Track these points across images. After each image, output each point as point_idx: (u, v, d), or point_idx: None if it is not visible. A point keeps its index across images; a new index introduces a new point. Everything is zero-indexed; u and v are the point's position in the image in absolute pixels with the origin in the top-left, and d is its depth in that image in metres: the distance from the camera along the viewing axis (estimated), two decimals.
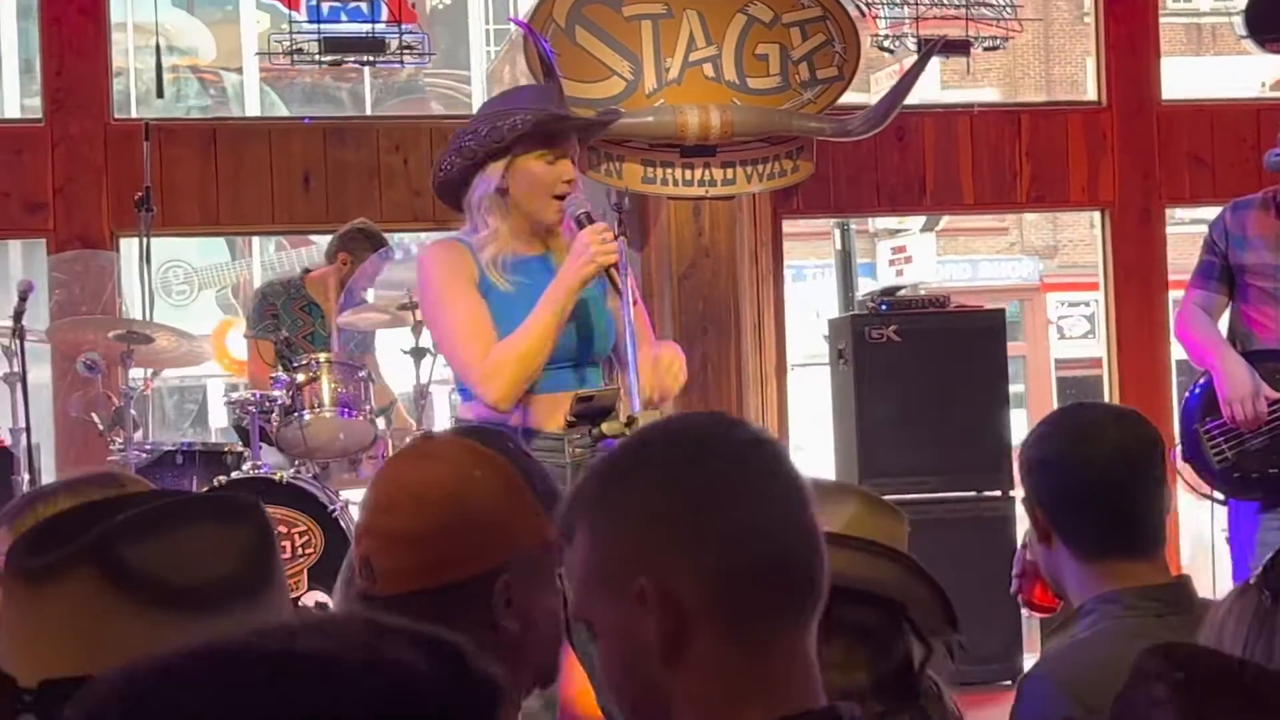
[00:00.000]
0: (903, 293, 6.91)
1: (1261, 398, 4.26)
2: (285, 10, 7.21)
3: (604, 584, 1.45)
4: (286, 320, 6.51)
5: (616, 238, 3.63)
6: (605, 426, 3.30)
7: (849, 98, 6.85)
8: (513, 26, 25.00)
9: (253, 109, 24.24)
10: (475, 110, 6.94)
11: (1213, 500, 4.51)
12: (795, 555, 1.45)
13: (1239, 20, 7.28)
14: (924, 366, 6.50)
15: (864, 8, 7.08)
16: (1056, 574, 2.36)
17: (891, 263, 22.67)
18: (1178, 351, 7.87)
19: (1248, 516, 4.33)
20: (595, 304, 3.74)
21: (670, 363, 3.65)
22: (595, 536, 1.47)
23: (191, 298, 23.65)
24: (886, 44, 7.21)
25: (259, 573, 1.52)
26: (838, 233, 13.02)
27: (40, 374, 6.46)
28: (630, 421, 3.30)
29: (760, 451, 1.48)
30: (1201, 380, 4.49)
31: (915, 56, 7.03)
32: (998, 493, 6.54)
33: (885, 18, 7.21)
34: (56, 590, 1.42)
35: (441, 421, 7.20)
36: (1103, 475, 2.28)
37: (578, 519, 1.49)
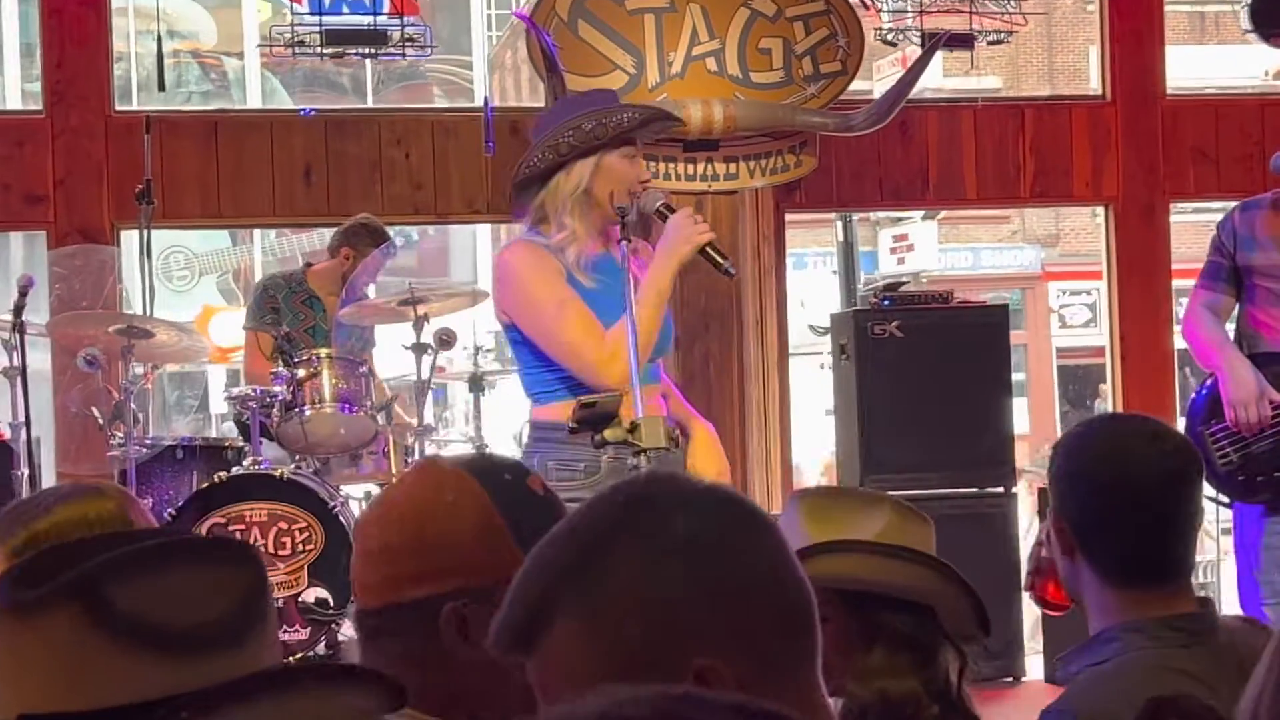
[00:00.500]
0: (905, 288, 6.89)
1: (1265, 401, 4.23)
2: (287, 0, 7.18)
3: (637, 672, 1.32)
4: (288, 314, 6.50)
5: (619, 241, 3.63)
6: (608, 433, 3.28)
7: (851, 84, 6.83)
8: (513, 14, 25.00)
9: (254, 95, 24.20)
10: (485, 96, 6.97)
11: (1218, 504, 4.49)
12: (804, 596, 1.42)
13: (1244, 14, 7.25)
14: (926, 362, 6.48)
15: (867, 1, 7.05)
16: (1075, 587, 2.29)
17: (893, 251, 22.65)
18: (1180, 344, 7.87)
19: (1252, 520, 4.32)
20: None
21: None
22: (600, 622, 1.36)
23: (192, 283, 23.64)
24: (890, 37, 7.18)
25: (249, 618, 1.50)
26: (840, 224, 12.99)
27: (40, 368, 6.45)
28: (633, 428, 3.29)
29: (743, 506, 1.44)
30: (1208, 382, 4.47)
31: (918, 49, 7.01)
32: (1000, 489, 6.53)
33: (888, 10, 7.18)
34: (40, 626, 1.42)
35: (462, 420, 7.18)
36: (1142, 502, 2.20)
37: (560, 610, 1.36)
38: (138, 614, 1.43)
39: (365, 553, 1.86)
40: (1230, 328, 4.56)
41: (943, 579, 2.10)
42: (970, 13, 7.06)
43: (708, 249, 3.67)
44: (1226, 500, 4.44)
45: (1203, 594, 2.32)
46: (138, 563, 1.46)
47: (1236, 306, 4.51)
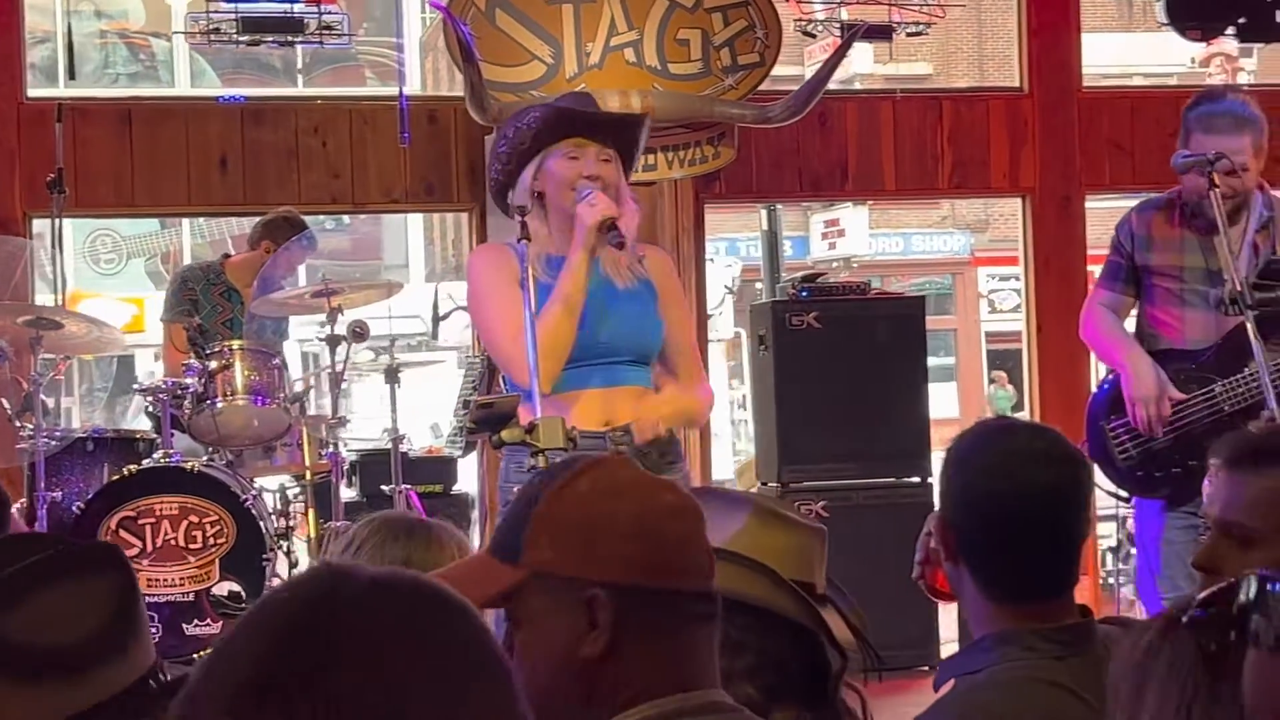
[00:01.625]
0: (825, 278, 6.91)
1: (1166, 400, 4.26)
2: None
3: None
4: (205, 306, 6.46)
5: (520, 241, 3.61)
6: (505, 434, 3.27)
7: (779, 70, 6.83)
8: (429, 3, 24.81)
9: (182, 76, 23.99)
10: (399, 85, 6.93)
11: (1118, 498, 4.53)
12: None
13: (1160, 7, 7.31)
14: (844, 353, 6.51)
15: None
16: (957, 590, 2.28)
17: (824, 236, 22.73)
18: None
19: (1152, 515, 4.35)
20: (623, 303, 3.75)
21: (661, 403, 3.76)
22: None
23: (120, 266, 23.44)
24: (810, 28, 7.19)
25: (123, 626, 1.50)
26: (764, 213, 13.00)
27: None
28: (531, 428, 3.28)
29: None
30: (1110, 377, 4.50)
31: (840, 39, 7.03)
32: (916, 479, 6.57)
33: (810, 2, 7.19)
34: None
35: (369, 408, 7.14)
36: (1028, 522, 2.18)
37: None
38: (26, 645, 1.41)
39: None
40: (1130, 328, 4.59)
41: (771, 585, 2.08)
42: (890, 4, 7.08)
43: (608, 224, 3.64)
44: (1126, 495, 4.47)
45: (1082, 604, 2.29)
46: (9, 592, 1.45)
47: (1135, 306, 4.54)
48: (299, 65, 23.56)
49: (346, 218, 24.73)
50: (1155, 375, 4.28)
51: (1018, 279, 24.49)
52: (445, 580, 1.65)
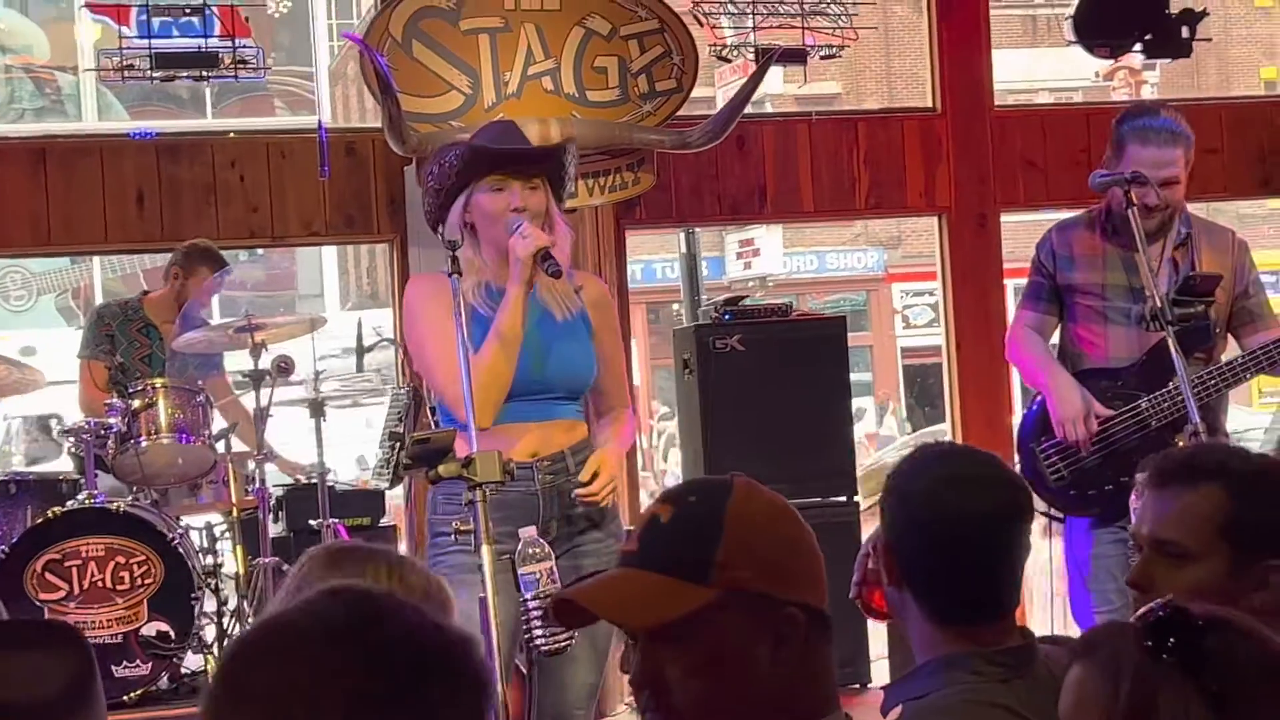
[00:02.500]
0: (747, 300, 6.95)
1: (1092, 418, 4.30)
2: (115, 25, 7.05)
3: None
4: (123, 342, 6.40)
5: (450, 275, 3.62)
6: (442, 468, 3.27)
7: (689, 97, 6.87)
8: (342, 35, 24.76)
9: (89, 110, 23.76)
10: (318, 117, 6.91)
11: (1050, 518, 4.55)
12: None
13: (1068, 25, 7.42)
14: (768, 375, 6.55)
15: (702, 17, 7.11)
16: (900, 614, 2.30)
17: (740, 255, 22.85)
18: None
19: (1081, 533, 4.39)
20: (562, 340, 3.77)
21: (613, 462, 3.82)
22: None
23: (30, 303, 23.16)
24: (725, 54, 7.24)
25: (80, 698, 1.51)
26: (682, 236, 13.05)
27: None
28: (468, 463, 3.28)
29: None
30: (1038, 399, 4.53)
31: (754, 63, 7.08)
32: (842, 498, 6.61)
33: (723, 27, 7.24)
34: None
35: (294, 442, 7.10)
36: (971, 548, 2.21)
37: None
38: None
39: None
40: (1055, 348, 4.64)
41: None
42: (804, 28, 7.15)
43: (544, 255, 3.66)
44: (1060, 515, 4.48)
45: (1024, 625, 2.31)
46: None
47: (1058, 325, 4.59)
48: (208, 97, 23.42)
49: (261, 250, 24.58)
50: (1079, 394, 4.32)
51: (931, 294, 24.73)
52: (597, 603, 1.71)
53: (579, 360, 3.82)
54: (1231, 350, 4.51)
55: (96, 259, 20.95)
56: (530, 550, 3.28)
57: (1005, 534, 2.24)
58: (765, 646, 1.79)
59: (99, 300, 19.33)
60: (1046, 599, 5.57)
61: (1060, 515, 4.45)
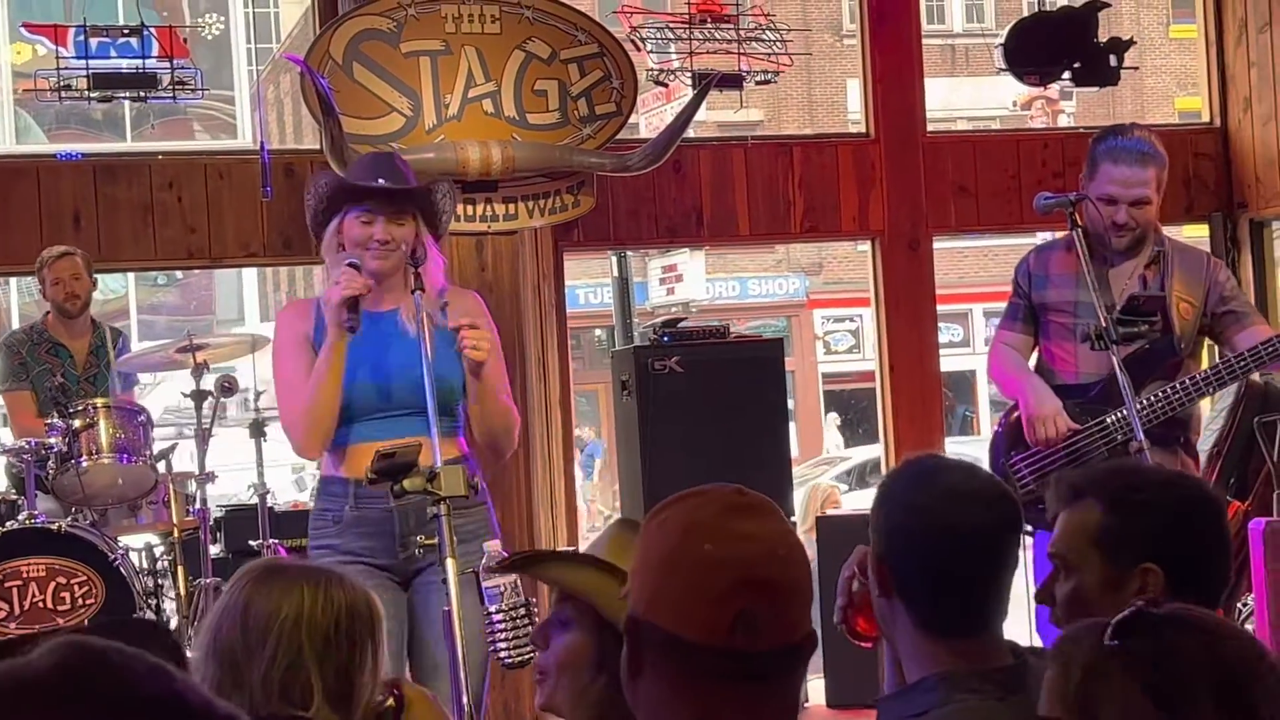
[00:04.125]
0: (684, 323, 7.01)
1: (1062, 417, 4.39)
2: (52, 45, 7.02)
3: None
4: (35, 367, 6.34)
5: (413, 291, 3.67)
6: (407, 482, 3.30)
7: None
8: (283, 56, 24.67)
9: (7, 132, 23.50)
10: (260, 139, 6.92)
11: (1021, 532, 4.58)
12: None
13: (998, 53, 7.54)
14: (706, 396, 6.62)
15: (639, 42, 7.17)
16: (889, 628, 2.31)
17: (663, 281, 22.93)
18: (945, 366, 8.12)
19: (1045, 547, 4.41)
20: (415, 356, 3.79)
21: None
22: None
23: None
24: (661, 78, 7.31)
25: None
26: (614, 259, 13.10)
27: None
28: (433, 477, 3.31)
29: None
30: (1007, 415, 4.60)
31: (689, 88, 7.16)
32: None
33: (660, 52, 7.31)
34: None
35: (234, 464, 7.07)
36: (965, 559, 2.23)
37: None
38: None
39: (791, 591, 1.87)
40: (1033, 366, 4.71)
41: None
42: (739, 54, 7.23)
43: (342, 315, 3.76)
44: (1030, 529, 4.50)
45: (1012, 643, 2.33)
46: None
47: (1035, 345, 4.68)
48: (128, 120, 23.24)
49: (180, 273, 24.38)
50: (1052, 397, 4.41)
51: (852, 320, 24.87)
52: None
53: (440, 375, 3.81)
54: (1218, 357, 4.62)
55: (13, 282, 20.71)
56: (496, 564, 3.31)
57: (1000, 548, 2.27)
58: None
59: (14, 324, 19.13)
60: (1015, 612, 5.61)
61: (1030, 530, 4.46)
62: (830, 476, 16.34)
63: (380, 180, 3.88)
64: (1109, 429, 4.37)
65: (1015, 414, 4.55)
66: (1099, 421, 4.39)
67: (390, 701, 2.33)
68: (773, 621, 1.80)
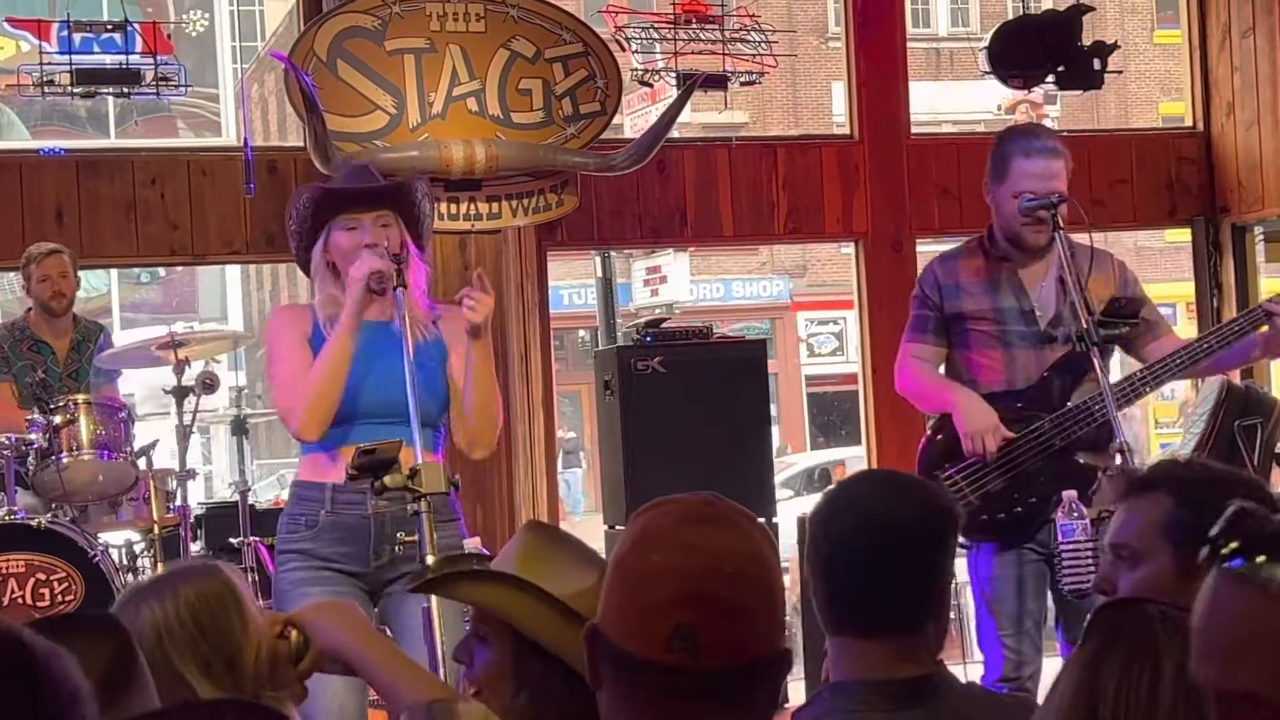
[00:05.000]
0: (667, 323, 7.01)
1: (1000, 429, 4.30)
2: (36, 40, 7.00)
3: None
4: (16, 363, 6.32)
5: (395, 289, 3.66)
6: (387, 479, 3.29)
7: None
8: (268, 53, 24.66)
9: None
10: (245, 136, 6.90)
11: (961, 546, 4.52)
12: None
13: (983, 56, 7.55)
14: (689, 396, 6.61)
15: (623, 42, 7.17)
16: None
17: (646, 283, 22.93)
18: None
19: (984, 556, 4.37)
20: (398, 365, 3.78)
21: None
22: None
23: None
24: (646, 78, 7.31)
25: (118, 686, 1.59)
26: (598, 260, 13.10)
27: None
28: (413, 474, 3.30)
29: None
30: (936, 429, 4.46)
31: (673, 88, 7.16)
32: (762, 519, 6.65)
33: (644, 53, 7.31)
34: None
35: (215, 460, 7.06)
36: (859, 556, 2.24)
37: None
38: None
39: (728, 610, 1.78)
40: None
41: (565, 620, 2.08)
42: (723, 54, 7.24)
43: (371, 280, 3.73)
44: (966, 543, 4.41)
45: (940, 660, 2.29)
46: None
47: (945, 356, 4.50)
48: (111, 117, 23.19)
49: (163, 270, 24.33)
50: (987, 408, 4.32)
51: (836, 323, 24.89)
52: None
53: (421, 386, 3.76)
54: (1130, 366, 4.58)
55: None
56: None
57: (909, 546, 2.26)
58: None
59: None
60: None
61: (966, 543, 4.38)
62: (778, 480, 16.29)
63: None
64: (1045, 434, 4.28)
65: (939, 427, 4.40)
66: (1035, 428, 4.29)
67: (294, 635, 2.32)
68: (715, 639, 1.70)
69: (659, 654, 1.70)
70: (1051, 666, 4.31)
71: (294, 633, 2.32)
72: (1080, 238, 4.43)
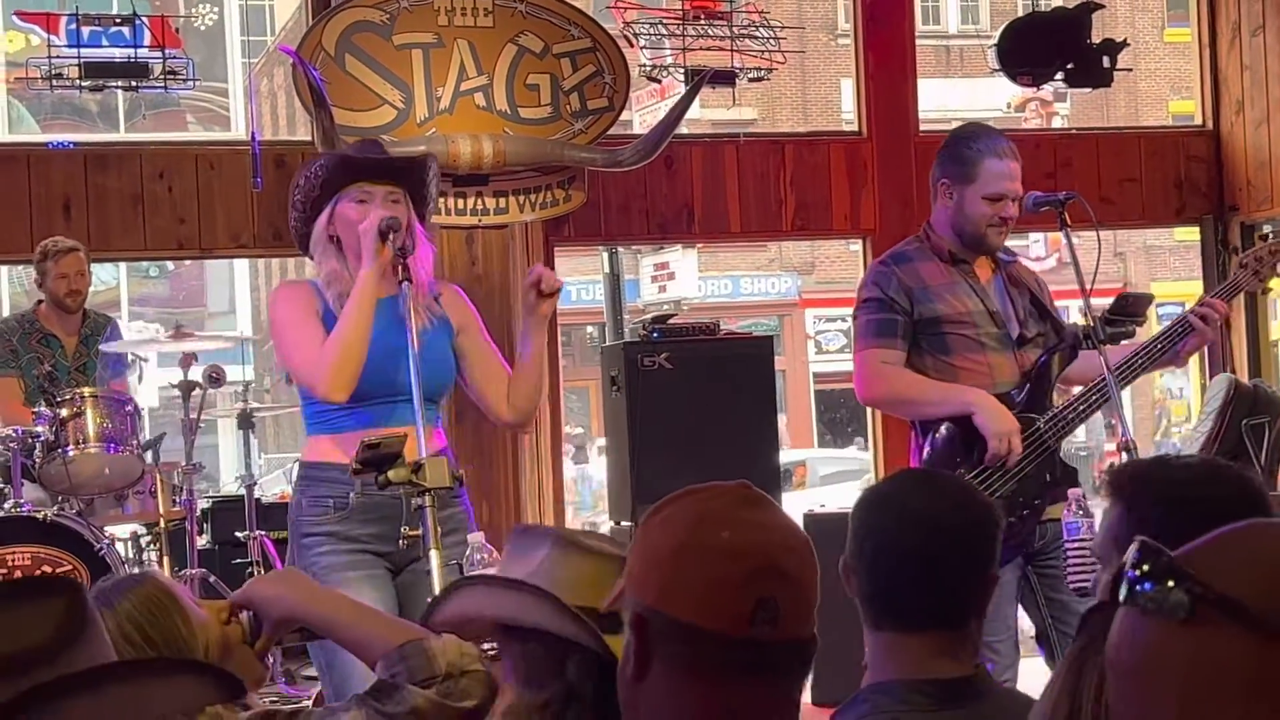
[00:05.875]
0: (674, 319, 7.00)
1: (1019, 430, 4.24)
2: (44, 33, 7.01)
3: None
4: (25, 355, 6.32)
5: (401, 283, 3.65)
6: (392, 473, 3.28)
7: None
8: (276, 48, 24.67)
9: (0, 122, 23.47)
10: (251, 130, 6.92)
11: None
12: None
13: (992, 54, 7.55)
14: (696, 392, 6.60)
15: (632, 38, 7.17)
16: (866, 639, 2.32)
17: (654, 279, 22.93)
18: None
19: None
20: (421, 345, 3.77)
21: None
22: None
23: None
24: (654, 74, 7.30)
25: (69, 641, 1.63)
26: (606, 256, 13.09)
27: None
28: (417, 468, 3.30)
29: None
30: (938, 434, 4.28)
31: (681, 84, 7.15)
32: None
33: (653, 48, 7.30)
34: None
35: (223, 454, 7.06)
36: (903, 554, 2.24)
37: None
38: None
39: (807, 583, 1.85)
40: None
41: (554, 611, 2.05)
42: (731, 50, 7.23)
43: (381, 225, 3.70)
44: None
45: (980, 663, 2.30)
46: None
47: (904, 361, 4.27)
48: (121, 111, 23.22)
49: (171, 264, 24.36)
50: (1007, 411, 4.24)
51: (844, 320, 24.85)
52: None
53: (437, 365, 3.80)
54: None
55: (4, 271, 20.69)
56: (478, 556, 3.30)
57: (956, 544, 2.27)
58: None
59: (4, 312, 19.09)
60: None
61: None
62: None
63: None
64: (1042, 435, 4.21)
65: (944, 429, 4.29)
66: (1032, 430, 4.23)
67: (243, 617, 2.30)
68: (791, 612, 1.76)
69: (743, 628, 1.74)
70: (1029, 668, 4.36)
71: (243, 614, 2.31)
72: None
